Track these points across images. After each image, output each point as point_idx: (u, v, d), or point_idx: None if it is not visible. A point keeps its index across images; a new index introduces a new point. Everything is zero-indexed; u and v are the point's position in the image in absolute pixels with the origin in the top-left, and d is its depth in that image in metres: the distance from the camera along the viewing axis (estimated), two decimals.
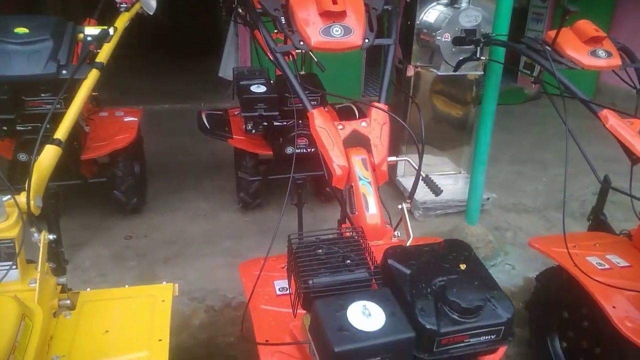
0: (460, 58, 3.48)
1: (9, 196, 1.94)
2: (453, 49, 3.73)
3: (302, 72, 4.15)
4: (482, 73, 4.18)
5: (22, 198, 1.98)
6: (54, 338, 1.99)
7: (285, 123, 3.76)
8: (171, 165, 5.13)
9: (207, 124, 4.18)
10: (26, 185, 2.01)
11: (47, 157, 2.12)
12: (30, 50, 2.49)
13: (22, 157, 3.29)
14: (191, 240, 4.00)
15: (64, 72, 2.52)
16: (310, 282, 1.71)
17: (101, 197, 4.12)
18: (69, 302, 2.14)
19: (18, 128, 3.33)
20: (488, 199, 4.39)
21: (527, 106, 7.29)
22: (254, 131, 3.72)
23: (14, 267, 1.94)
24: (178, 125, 5.85)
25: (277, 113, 3.69)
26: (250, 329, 2.14)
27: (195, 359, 2.99)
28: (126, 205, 4.06)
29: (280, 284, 2.37)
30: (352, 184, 2.34)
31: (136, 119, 4.11)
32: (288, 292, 2.33)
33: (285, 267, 2.48)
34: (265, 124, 3.73)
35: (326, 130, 2.38)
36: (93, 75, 2.40)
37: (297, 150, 3.61)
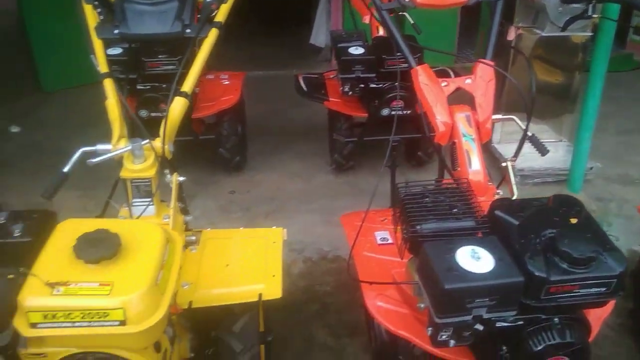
0: (568, 17, 3.36)
1: (147, 141, 2.21)
2: (560, 8, 3.59)
3: None
4: (591, 34, 3.99)
5: (157, 143, 2.25)
6: (183, 268, 2.26)
7: (381, 85, 3.83)
8: (267, 129, 5.37)
9: (304, 86, 4.34)
10: (160, 133, 2.27)
11: (177, 108, 2.37)
12: (159, 11, 2.75)
13: (143, 113, 3.63)
14: (289, 198, 4.23)
15: (188, 31, 2.75)
16: (419, 227, 1.82)
17: (208, 155, 4.45)
18: (194, 238, 2.41)
19: (138, 87, 3.67)
20: (592, 168, 4.24)
21: (636, 74, 6.80)
22: (350, 93, 3.83)
23: (152, 203, 2.21)
24: (271, 91, 6.08)
25: (374, 75, 3.77)
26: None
27: (295, 303, 3.22)
28: (230, 162, 4.36)
29: (381, 234, 2.51)
30: (456, 141, 2.40)
31: (239, 81, 4.36)
32: (388, 242, 2.47)
33: (385, 220, 2.62)
34: (362, 85, 3.82)
35: (430, 86, 2.44)
36: (213, 34, 2.60)
37: (393, 113, 3.68)
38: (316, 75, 4.53)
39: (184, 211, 2.47)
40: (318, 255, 3.66)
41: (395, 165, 3.55)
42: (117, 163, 2.22)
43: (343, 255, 3.67)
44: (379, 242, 2.46)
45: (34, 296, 1.56)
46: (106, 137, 2.25)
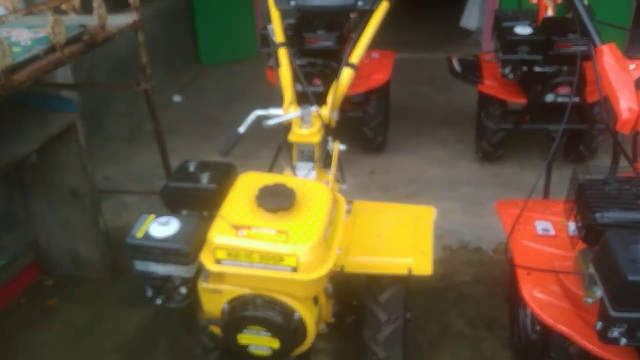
0: None
1: (315, 108, 2.37)
2: None
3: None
4: None
5: (323, 111, 2.40)
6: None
7: (547, 69, 3.67)
8: (409, 112, 5.41)
9: (457, 68, 4.30)
10: (328, 101, 2.43)
11: (345, 78, 2.51)
12: None
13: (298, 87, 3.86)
14: (429, 182, 4.26)
15: (360, 3, 2.89)
16: (599, 215, 1.77)
17: (349, 133, 4.60)
18: (347, 207, 2.55)
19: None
20: None
21: None
22: (511, 76, 3.72)
23: (313, 168, 2.39)
24: (416, 74, 6.08)
25: (540, 57, 3.62)
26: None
27: (432, 289, 3.26)
28: (372, 142, 4.48)
29: (542, 225, 2.46)
30: None
31: (390, 61, 4.44)
32: (550, 233, 2.41)
33: (546, 212, 2.55)
34: (525, 68, 3.69)
35: (616, 68, 2.31)
36: (383, 6, 2.70)
37: (558, 100, 3.53)
38: (471, 57, 4.46)
39: (340, 180, 2.62)
40: (458, 244, 3.66)
41: (554, 158, 3.42)
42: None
43: (485, 247, 3.64)
44: (540, 232, 2.41)
45: (222, 235, 1.79)
46: (254, 107, 2.41)
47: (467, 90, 4.84)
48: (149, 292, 1.92)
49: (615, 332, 1.68)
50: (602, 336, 1.71)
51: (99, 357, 2.96)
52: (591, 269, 1.76)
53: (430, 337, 3.00)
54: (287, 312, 1.88)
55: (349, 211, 2.56)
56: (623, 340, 1.70)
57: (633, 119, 2.26)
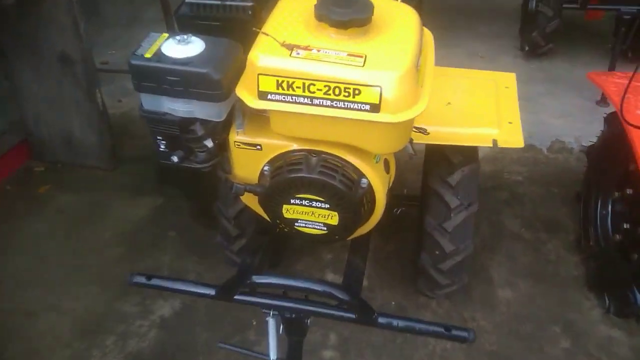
0: None
1: None
2: None
3: None
4: None
5: None
6: None
7: None
8: (443, 4, 4.68)
9: None
10: None
11: None
12: None
13: None
14: None
15: None
16: None
17: None
18: None
19: None
20: None
21: None
22: None
23: None
24: None
25: None
26: None
27: (481, 187, 2.72)
28: None
29: None
30: None
31: None
32: None
33: None
34: None
35: None
36: None
37: None
38: None
39: None
40: None
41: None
42: None
43: (538, 144, 3.08)
44: None
45: (269, 55, 1.17)
46: None
47: None
48: (162, 146, 1.34)
49: None
50: None
51: (99, 250, 2.43)
52: None
53: (483, 238, 2.48)
54: (352, 176, 1.31)
55: None
56: None
57: None
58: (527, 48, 3.78)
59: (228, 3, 1.36)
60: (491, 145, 1.70)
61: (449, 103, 1.84)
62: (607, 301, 2.09)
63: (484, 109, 1.82)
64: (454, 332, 1.29)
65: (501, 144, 1.70)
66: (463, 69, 2.08)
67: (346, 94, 1.15)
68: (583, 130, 3.10)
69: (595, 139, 2.37)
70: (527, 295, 2.24)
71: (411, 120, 1.21)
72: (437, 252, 1.85)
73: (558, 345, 2.04)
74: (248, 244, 1.87)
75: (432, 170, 1.85)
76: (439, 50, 4.41)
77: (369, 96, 1.15)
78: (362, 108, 1.16)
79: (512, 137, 1.72)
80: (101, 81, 2.76)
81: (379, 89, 1.14)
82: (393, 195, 2.13)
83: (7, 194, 2.73)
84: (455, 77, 1.99)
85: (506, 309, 2.18)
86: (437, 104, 1.84)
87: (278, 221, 1.38)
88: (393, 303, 2.20)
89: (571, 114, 3.34)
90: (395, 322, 1.32)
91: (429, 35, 1.45)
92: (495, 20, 4.36)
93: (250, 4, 1.36)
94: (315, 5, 1.22)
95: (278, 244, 1.77)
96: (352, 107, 1.17)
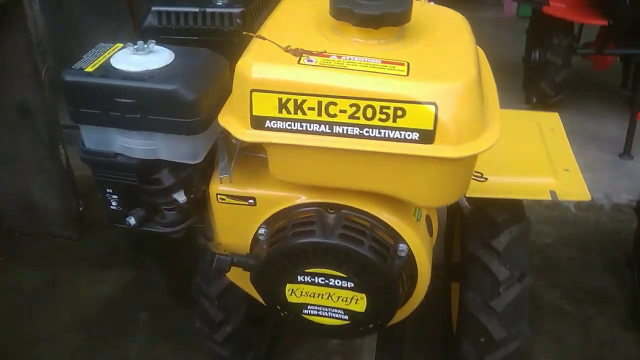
0: None
1: None
2: None
3: None
4: None
5: None
6: None
7: None
8: None
9: None
10: None
11: None
12: None
13: None
14: None
15: None
16: None
17: None
18: None
19: None
20: None
21: None
22: None
23: None
24: None
25: None
26: None
27: None
28: None
29: None
30: None
31: None
32: None
33: None
34: None
35: None
36: None
37: None
38: None
39: None
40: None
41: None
42: None
43: (565, 202, 2.70)
44: None
45: (267, 63, 0.79)
46: None
47: (500, 40, 3.97)
48: (113, 203, 0.92)
49: None
50: None
51: (53, 338, 1.93)
52: None
53: None
54: (387, 241, 0.90)
55: None
56: None
57: None
58: (534, 100, 3.52)
59: (209, 10, 0.99)
60: (549, 198, 1.31)
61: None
62: None
63: (533, 154, 1.44)
64: None
65: (562, 196, 1.31)
66: (503, 110, 1.73)
67: (383, 116, 0.75)
68: (611, 185, 2.74)
69: (625, 194, 2.01)
70: None
71: (476, 157, 0.82)
72: (483, 340, 1.40)
73: None
74: (236, 332, 1.40)
75: (471, 233, 1.44)
76: None
77: (418, 119, 0.75)
78: (407, 137, 0.76)
79: (574, 187, 1.33)
80: (65, 138, 2.36)
81: (433, 107, 0.75)
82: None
83: None
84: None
85: None
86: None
87: (279, 307, 0.95)
88: None
89: (594, 168, 2.99)
90: None
91: (480, 50, 1.09)
92: (494, 74, 4.13)
93: (238, 10, 0.98)
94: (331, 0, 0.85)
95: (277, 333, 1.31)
96: (392, 135, 0.76)
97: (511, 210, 1.41)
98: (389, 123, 0.76)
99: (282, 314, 0.97)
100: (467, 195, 1.31)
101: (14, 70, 2.10)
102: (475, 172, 1.13)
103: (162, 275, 2.17)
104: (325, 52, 0.81)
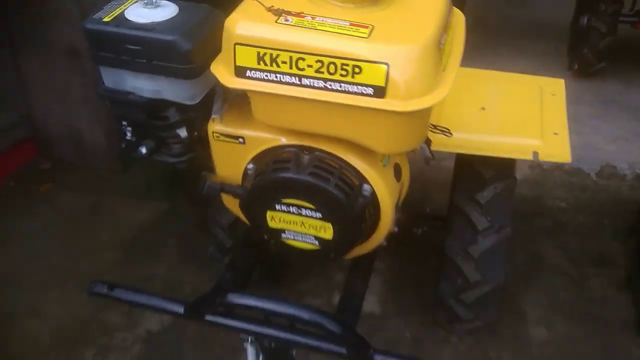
0: None
1: None
2: None
3: None
4: None
5: None
6: None
7: None
8: (484, 21, 4.39)
9: None
10: None
11: None
12: None
13: None
14: None
15: None
16: None
17: None
18: None
19: None
20: None
21: None
22: None
23: None
24: None
25: None
26: None
27: (520, 213, 2.37)
28: None
29: None
30: None
31: None
32: None
33: None
34: None
35: None
36: None
37: None
38: None
39: None
40: (550, 163, 2.74)
41: None
42: None
43: (585, 169, 2.73)
44: None
45: (249, 21, 0.93)
46: None
47: (544, 5, 3.86)
48: (128, 133, 1.11)
49: None
50: None
51: (93, 254, 2.21)
52: None
53: (518, 269, 2.15)
54: (352, 181, 1.05)
55: None
56: None
57: None
58: (576, 67, 3.44)
59: None
60: (531, 158, 1.40)
61: (483, 108, 1.56)
62: None
63: (525, 116, 1.52)
64: None
65: (543, 157, 1.40)
66: (503, 72, 1.79)
67: (343, 72, 0.89)
68: (638, 156, 2.75)
69: None
70: (565, 337, 1.88)
71: (427, 111, 0.94)
72: (459, 281, 1.54)
73: None
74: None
75: (459, 186, 1.56)
76: (483, 67, 4.10)
77: (372, 76, 0.88)
78: (363, 91, 0.89)
79: (558, 150, 1.42)
80: None
81: (385, 66, 0.87)
82: (416, 213, 1.87)
83: (8, 189, 2.57)
84: (493, 80, 1.70)
85: (539, 351, 1.83)
86: (470, 109, 1.56)
87: (262, 230, 1.12)
88: (408, 335, 1.89)
89: (625, 138, 2.97)
90: None
91: (459, 15, 1.17)
92: (542, 38, 4.03)
93: None
94: None
95: (271, 258, 1.50)
96: (350, 89, 0.90)
97: (499, 169, 1.52)
98: (348, 78, 0.89)
99: (265, 237, 1.14)
100: (454, 152, 1.44)
101: (64, 16, 2.31)
102: (444, 127, 1.23)
103: (189, 208, 2.40)
104: (302, 12, 0.94)
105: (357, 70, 0.88)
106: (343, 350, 1.07)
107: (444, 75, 0.96)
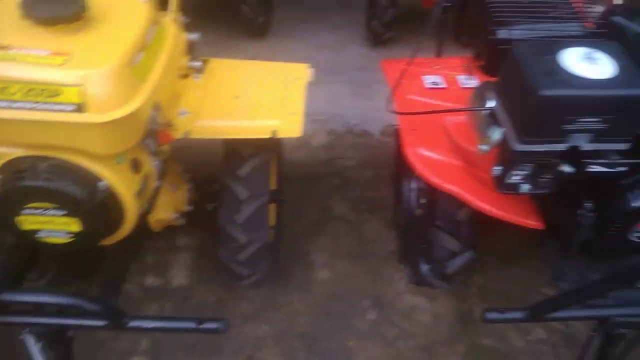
0: None
1: None
2: None
3: None
4: None
5: None
6: (183, 96, 1.79)
7: None
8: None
9: None
10: None
11: None
12: None
13: None
14: (315, 68, 3.64)
15: None
16: (505, 30, 1.28)
17: (227, 17, 3.86)
18: (199, 64, 1.90)
19: None
20: None
21: None
22: None
23: None
24: None
25: None
26: None
27: (314, 175, 2.77)
28: (253, 23, 3.76)
29: (432, 79, 1.99)
30: None
31: None
32: (440, 86, 1.95)
33: (438, 68, 2.09)
34: None
35: None
36: None
37: None
38: None
39: (189, 28, 1.95)
40: (343, 128, 3.15)
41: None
42: None
43: (371, 130, 3.17)
44: (429, 85, 1.93)
45: None
46: None
47: None
48: None
49: (516, 177, 1.26)
50: (500, 183, 1.28)
51: None
52: (490, 103, 1.30)
53: (310, 223, 2.53)
54: (86, 180, 1.25)
55: (200, 70, 1.92)
56: (524, 187, 1.28)
57: None
58: (371, 37, 3.89)
59: None
60: (271, 136, 1.72)
61: (236, 97, 1.84)
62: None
63: (269, 101, 1.83)
64: (206, 325, 1.29)
65: (280, 134, 1.72)
66: (258, 62, 2.08)
67: (47, 94, 1.09)
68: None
69: None
70: (344, 274, 2.29)
71: (129, 118, 1.17)
72: (233, 245, 1.85)
73: (365, 318, 2.12)
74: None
75: (225, 164, 1.84)
76: (292, 43, 4.43)
77: (70, 96, 1.09)
78: (65, 109, 1.11)
79: (292, 127, 1.74)
80: None
81: (79, 87, 1.09)
82: (207, 191, 2.12)
83: None
84: (249, 70, 1.98)
85: (322, 290, 2.23)
86: (225, 98, 1.84)
87: (17, 233, 1.30)
88: (213, 298, 2.18)
89: None
90: (145, 324, 1.30)
91: (169, 28, 1.41)
92: (348, 10, 4.43)
93: None
94: (21, 2, 1.14)
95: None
96: (54, 108, 1.10)
97: (255, 146, 1.82)
98: (52, 99, 1.10)
99: (24, 239, 1.32)
100: (211, 137, 1.70)
101: None
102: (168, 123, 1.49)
103: None
104: (10, 45, 1.11)
105: (58, 92, 1.09)
106: (102, 323, 1.28)
107: (143, 87, 1.20)
